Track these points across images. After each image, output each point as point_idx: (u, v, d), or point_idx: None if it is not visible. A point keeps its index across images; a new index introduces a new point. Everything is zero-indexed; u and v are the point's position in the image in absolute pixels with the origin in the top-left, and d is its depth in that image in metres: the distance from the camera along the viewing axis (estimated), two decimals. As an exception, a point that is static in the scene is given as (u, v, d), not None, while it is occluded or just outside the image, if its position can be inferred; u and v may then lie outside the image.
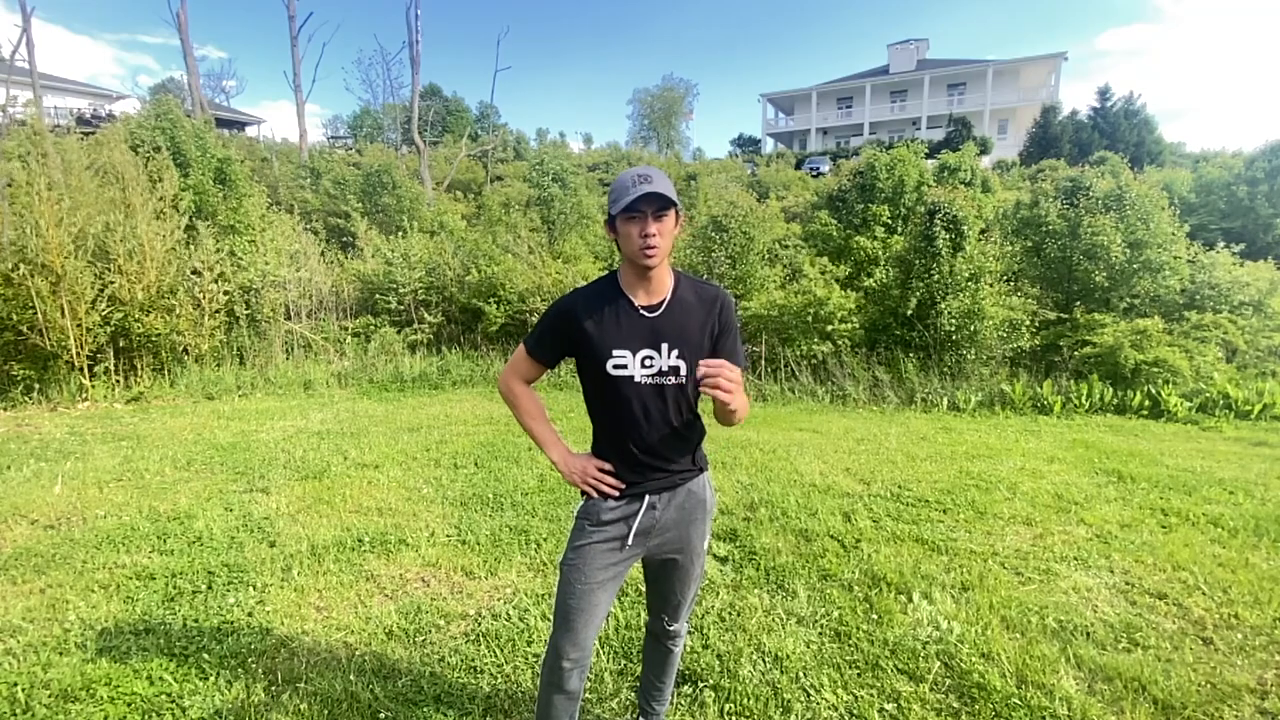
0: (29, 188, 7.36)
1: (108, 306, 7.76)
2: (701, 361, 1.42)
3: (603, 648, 2.53)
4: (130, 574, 3.12)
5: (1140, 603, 2.92)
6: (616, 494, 1.62)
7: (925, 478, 4.81)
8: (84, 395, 7.66)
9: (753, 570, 3.23)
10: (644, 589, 1.93)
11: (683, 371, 1.59)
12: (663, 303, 1.59)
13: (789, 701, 2.23)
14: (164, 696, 2.23)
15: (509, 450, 5.39)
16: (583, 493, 1.66)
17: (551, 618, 2.04)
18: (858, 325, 9.18)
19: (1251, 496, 4.37)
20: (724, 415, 1.54)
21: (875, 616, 2.77)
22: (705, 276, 10.25)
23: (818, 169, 27.25)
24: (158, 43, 79.31)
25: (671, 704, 2.20)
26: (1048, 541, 3.61)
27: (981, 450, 5.70)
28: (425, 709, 2.19)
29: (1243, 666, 2.43)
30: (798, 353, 9.04)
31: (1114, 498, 4.37)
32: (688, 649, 2.52)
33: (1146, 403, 7.60)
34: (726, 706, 2.21)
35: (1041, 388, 8.01)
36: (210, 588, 3.01)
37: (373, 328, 10.51)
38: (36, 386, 7.50)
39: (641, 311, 1.58)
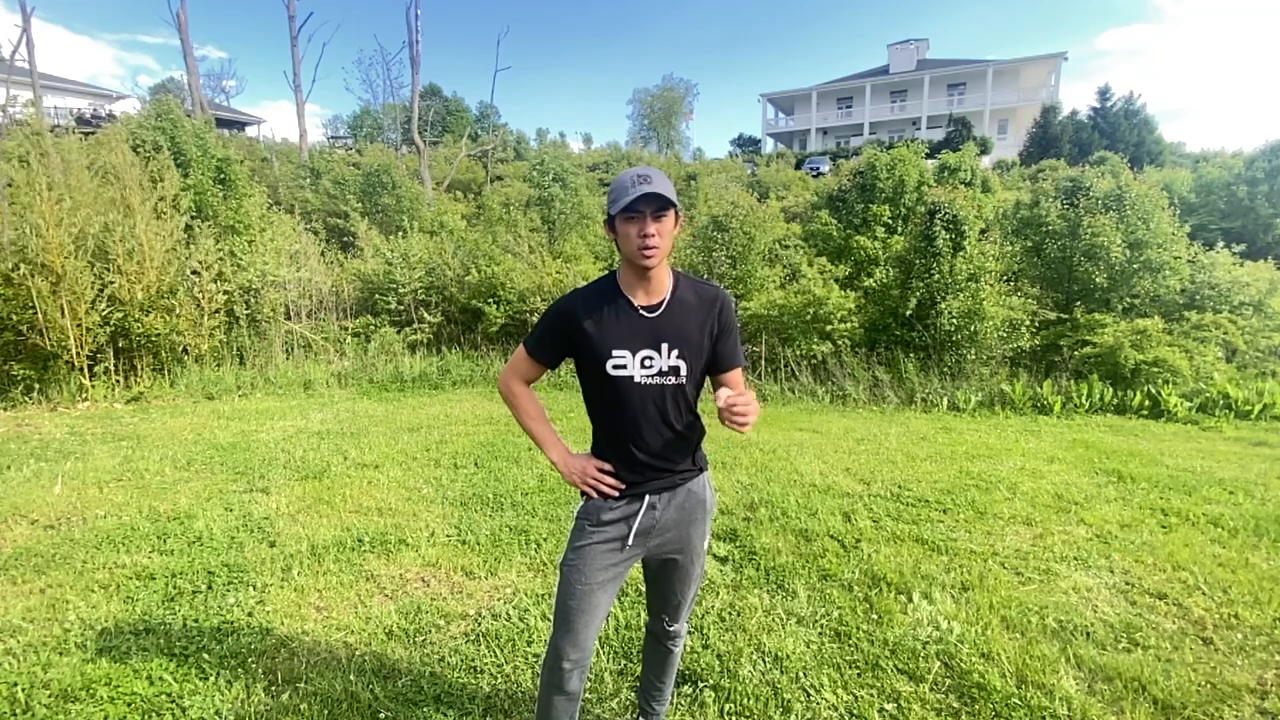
0: (29, 188, 7.36)
1: (108, 306, 7.76)
2: (725, 396, 1.43)
3: (603, 648, 2.53)
4: (130, 574, 3.12)
5: (1140, 603, 2.92)
6: (616, 494, 1.62)
7: (925, 478, 4.81)
8: (84, 395, 7.66)
9: (753, 570, 3.23)
10: (644, 589, 1.93)
11: (682, 372, 1.59)
12: (662, 303, 1.59)
13: (789, 701, 2.23)
14: (164, 696, 2.23)
15: (509, 450, 5.39)
16: (583, 493, 1.66)
17: (551, 618, 2.04)
18: (857, 325, 9.18)
19: (1251, 496, 4.37)
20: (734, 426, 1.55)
21: (875, 616, 2.77)
22: (705, 276, 10.25)
23: (818, 169, 27.24)
24: (158, 43, 79.39)
25: (671, 704, 2.20)
26: (1048, 541, 3.61)
27: (981, 450, 5.70)
28: (425, 709, 2.19)
29: (1243, 666, 2.43)
30: (798, 353, 9.04)
31: (1114, 498, 4.37)
32: (688, 649, 2.52)
33: (1146, 403, 7.60)
34: (726, 706, 2.21)
35: (1041, 388, 8.01)
36: (210, 588, 3.01)
37: (373, 328, 10.51)
38: (36, 386, 7.50)
39: (641, 312, 1.58)
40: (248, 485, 4.50)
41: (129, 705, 2.18)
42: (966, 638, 2.60)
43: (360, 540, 3.52)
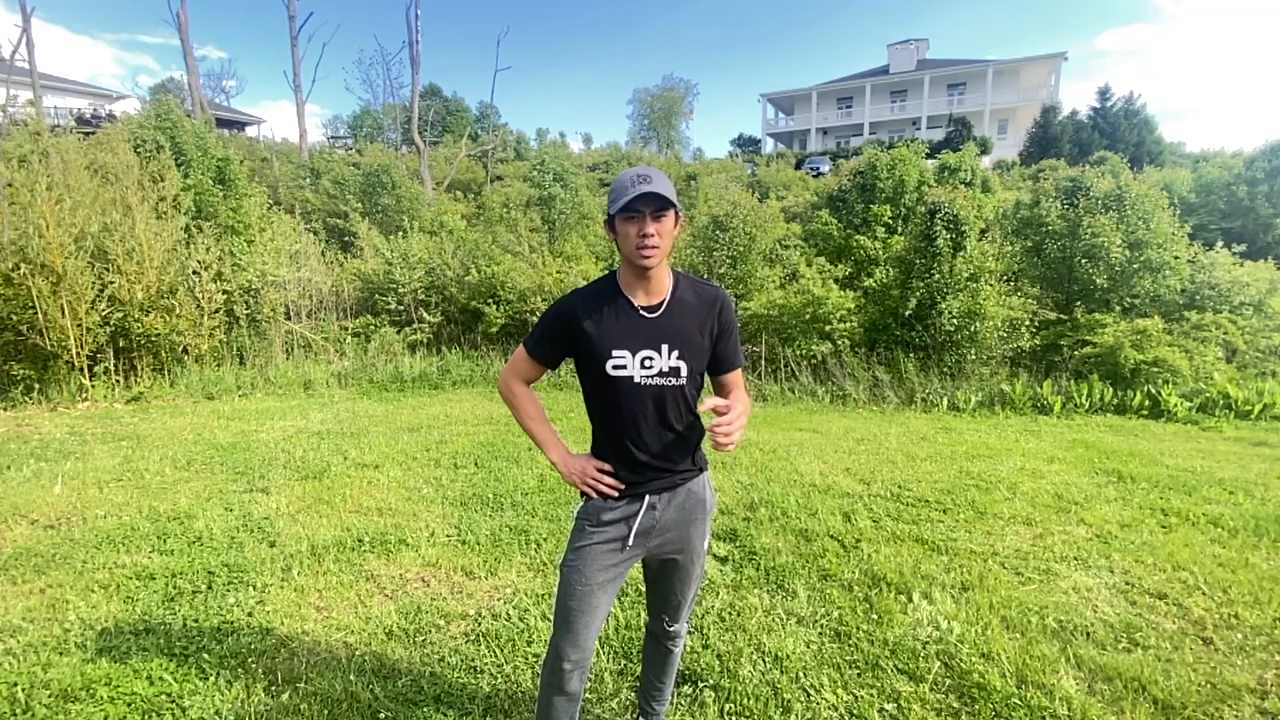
0: (29, 188, 7.36)
1: (108, 307, 7.76)
2: (714, 415, 1.44)
3: (603, 648, 2.53)
4: (130, 574, 3.12)
5: (1140, 603, 2.92)
6: (616, 494, 1.62)
7: (925, 478, 4.81)
8: (84, 395, 7.66)
9: (753, 570, 3.23)
10: (644, 589, 1.93)
11: (682, 372, 1.59)
12: (662, 303, 1.59)
13: (789, 701, 2.23)
14: (164, 696, 2.23)
15: (509, 450, 5.39)
16: (582, 493, 1.66)
17: (551, 618, 2.04)
18: (857, 325, 9.18)
19: (1251, 496, 4.37)
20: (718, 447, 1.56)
21: (875, 616, 2.77)
22: (705, 276, 10.25)
23: (818, 169, 27.24)
24: (158, 43, 79.38)
25: (671, 704, 2.20)
26: (1048, 541, 3.61)
27: (981, 450, 5.70)
28: (425, 709, 2.19)
29: (1243, 666, 2.43)
30: (798, 353, 9.04)
31: (1114, 498, 4.37)
32: (688, 649, 2.52)
33: (1146, 403, 7.60)
34: (726, 706, 2.21)
35: (1041, 388, 8.01)
36: (210, 588, 3.01)
37: (373, 328, 10.51)
38: (36, 386, 7.50)
39: (641, 312, 1.58)
40: (248, 485, 4.50)
41: (129, 705, 2.18)
42: (966, 638, 2.60)
43: (360, 540, 3.52)
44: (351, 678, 2.33)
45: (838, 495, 4.39)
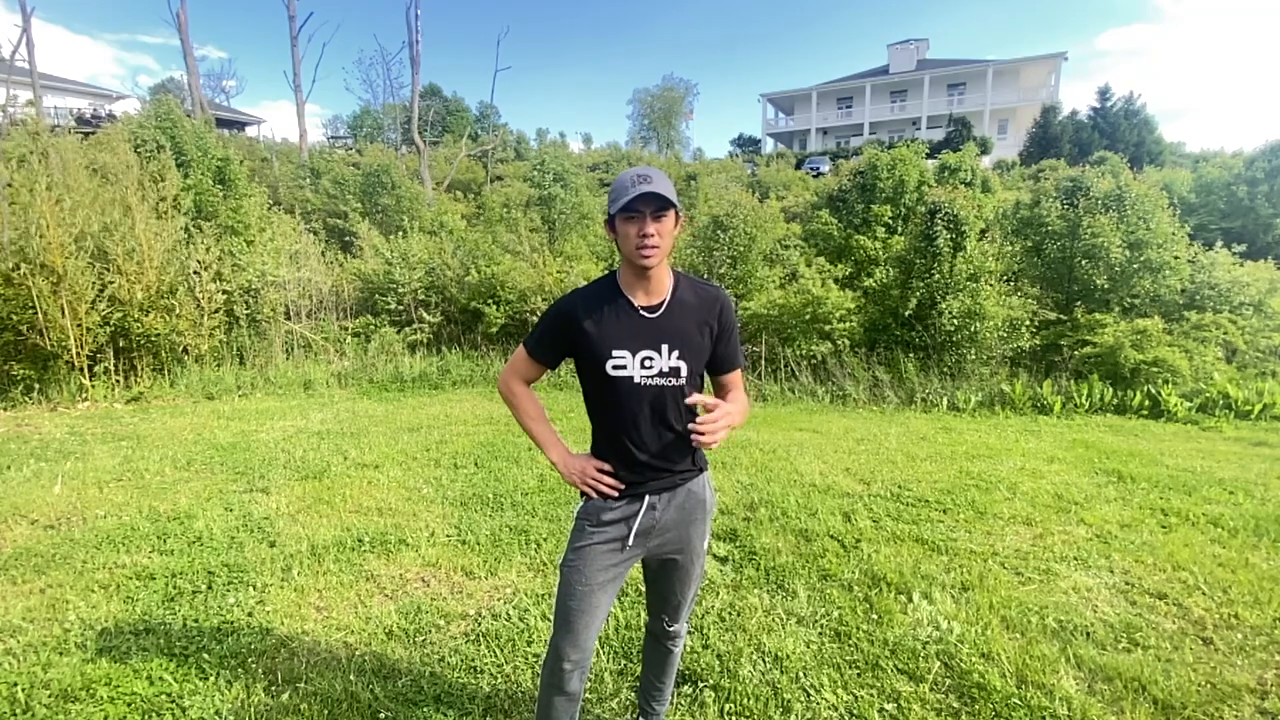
0: (28, 188, 7.36)
1: (108, 307, 7.76)
2: (699, 412, 1.44)
3: (603, 648, 2.53)
4: (130, 574, 3.12)
5: (1140, 603, 2.92)
6: (616, 494, 1.62)
7: (925, 478, 4.81)
8: (84, 395, 7.66)
9: (753, 570, 3.23)
10: (644, 589, 1.93)
11: (682, 372, 1.59)
12: (663, 303, 1.59)
13: (789, 701, 2.23)
14: (164, 696, 2.23)
15: (509, 450, 5.39)
16: (582, 493, 1.66)
17: (551, 618, 2.04)
18: (857, 325, 9.18)
19: (1251, 496, 4.37)
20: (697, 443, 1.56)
21: (875, 616, 2.77)
22: (705, 276, 10.25)
23: (818, 169, 27.24)
24: (158, 43, 79.35)
25: (671, 704, 2.20)
26: (1048, 541, 3.61)
27: (981, 450, 5.70)
28: (425, 709, 2.19)
29: (1243, 666, 2.43)
30: (798, 353, 9.04)
31: (1114, 498, 4.37)
32: (688, 649, 2.52)
33: (1146, 403, 7.60)
34: (726, 706, 2.21)
35: (1041, 388, 8.01)
36: (210, 588, 3.01)
37: (373, 328, 10.51)
38: (36, 386, 7.50)
39: (641, 312, 1.58)
40: (248, 485, 4.50)
41: (129, 705, 2.18)
42: (966, 638, 2.60)
43: (360, 540, 3.52)
44: (351, 678, 2.33)
45: (838, 495, 4.39)
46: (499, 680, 2.35)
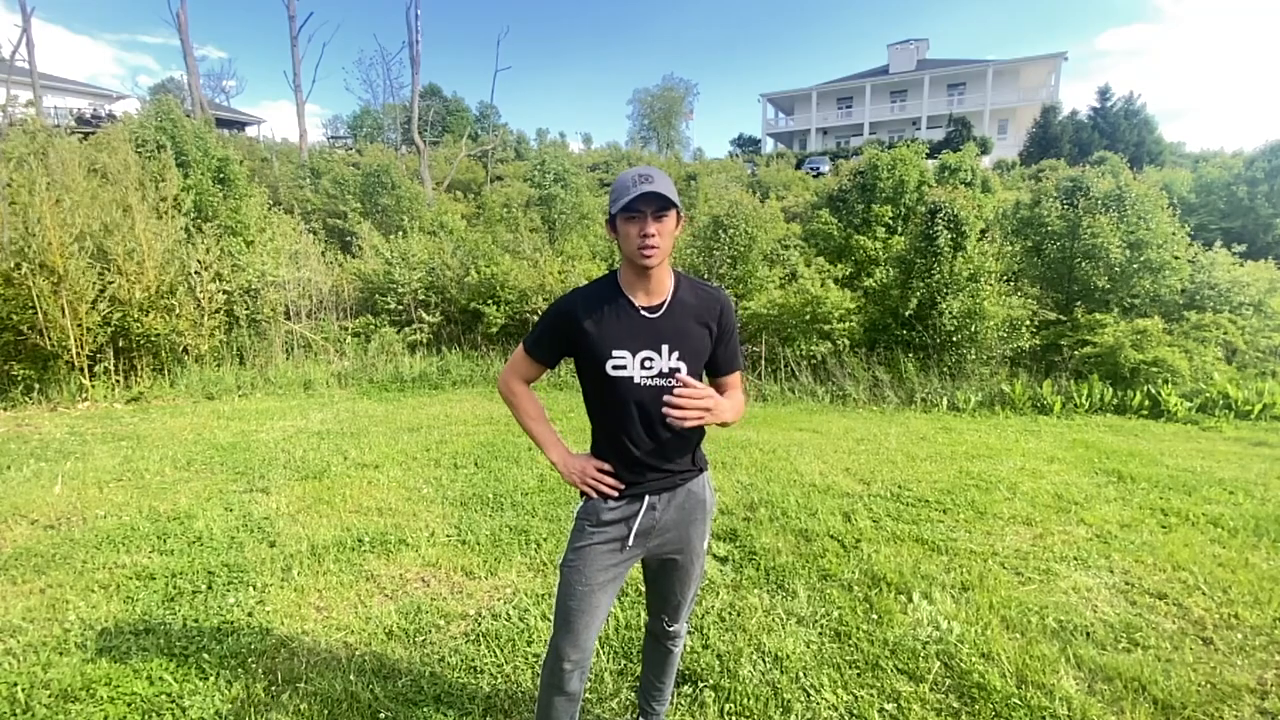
0: (27, 188, 7.36)
1: (108, 307, 7.76)
2: (671, 397, 1.46)
3: (603, 648, 2.53)
4: (130, 574, 3.12)
5: (1140, 603, 2.92)
6: (616, 494, 1.62)
7: (925, 478, 4.81)
8: (84, 395, 7.66)
9: (753, 570, 3.23)
10: (644, 589, 1.93)
11: (683, 373, 1.59)
12: (663, 304, 1.59)
13: (789, 701, 2.23)
14: (164, 696, 2.23)
15: (509, 450, 5.39)
16: (582, 493, 1.66)
17: (551, 618, 2.04)
18: (857, 325, 9.18)
19: (1251, 496, 4.37)
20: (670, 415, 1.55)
21: (875, 616, 2.77)
22: (705, 277, 10.25)
23: (818, 169, 27.25)
24: (158, 43, 79.37)
25: (671, 704, 2.20)
26: (1048, 541, 3.61)
27: (981, 450, 5.70)
28: (425, 709, 2.19)
29: (1243, 666, 2.43)
30: (798, 353, 9.04)
31: (1114, 498, 4.37)
32: (688, 649, 2.52)
33: (1146, 403, 7.61)
34: (726, 706, 2.21)
35: (1041, 388, 8.01)
36: (210, 588, 3.01)
37: (373, 328, 10.51)
38: (36, 386, 7.50)
39: (642, 312, 1.58)
40: (248, 485, 4.50)
41: (129, 705, 2.18)
42: (966, 638, 2.60)
43: (360, 540, 3.52)
44: (351, 678, 2.33)
45: (838, 495, 4.39)
46: (499, 680, 2.35)
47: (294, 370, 9.20)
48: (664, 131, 49.16)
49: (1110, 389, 7.88)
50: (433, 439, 5.87)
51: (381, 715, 2.15)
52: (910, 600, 2.90)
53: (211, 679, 2.32)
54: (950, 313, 8.58)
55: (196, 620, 2.72)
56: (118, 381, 7.99)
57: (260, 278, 9.70)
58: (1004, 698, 2.24)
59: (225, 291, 9.04)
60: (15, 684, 2.27)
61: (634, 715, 2.13)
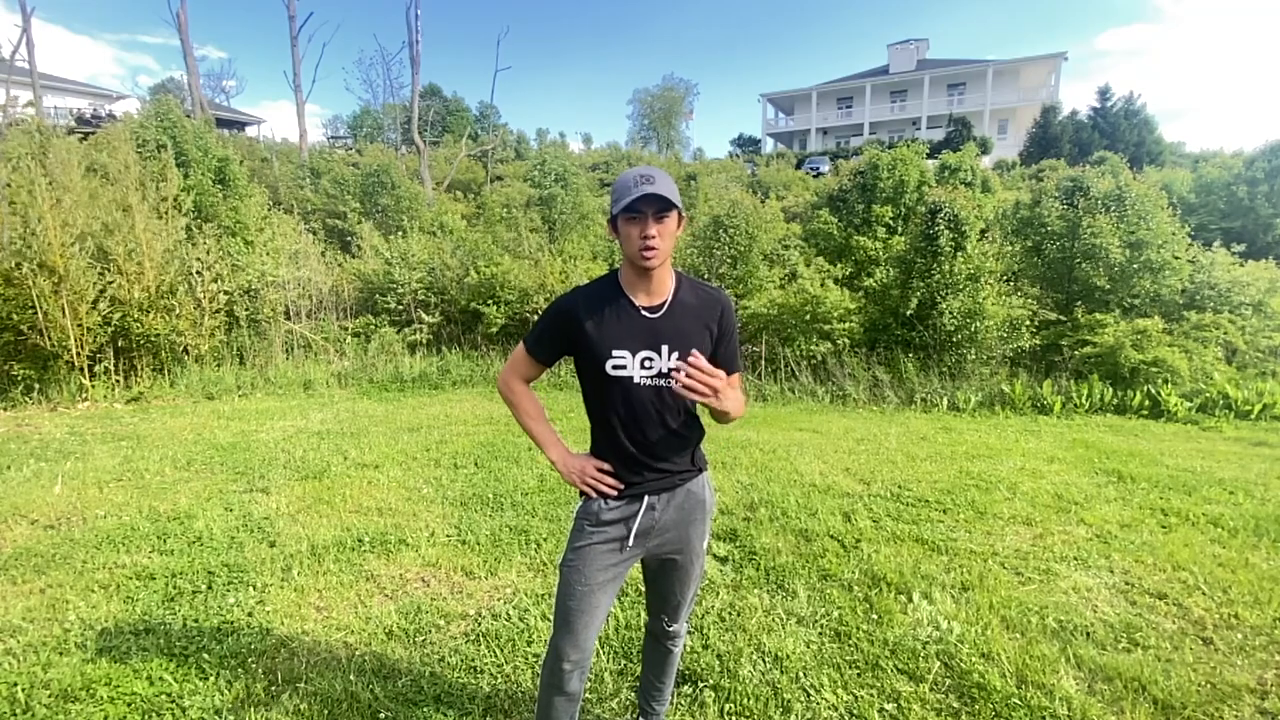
0: (30, 188, 7.36)
1: (108, 306, 7.76)
2: (683, 364, 1.41)
3: (603, 648, 2.53)
4: (130, 574, 3.12)
5: (1140, 603, 2.92)
6: (615, 494, 1.62)
7: (925, 478, 4.81)
8: (84, 395, 7.66)
9: (753, 570, 3.23)
10: (644, 589, 1.93)
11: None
12: (664, 304, 1.59)
13: (789, 701, 2.23)
14: (164, 696, 2.23)
15: (509, 450, 5.40)
16: (582, 493, 1.66)
17: (551, 618, 2.04)
18: (857, 325, 9.18)
19: (1251, 496, 4.37)
20: (718, 414, 1.54)
21: (875, 616, 2.77)
22: (705, 277, 10.25)
23: (818, 169, 27.24)
24: (158, 43, 79.33)
25: (671, 704, 2.20)
26: (1048, 541, 3.61)
27: (981, 450, 5.70)
28: (425, 709, 2.19)
29: (1243, 666, 2.43)
30: (798, 352, 9.04)
31: (1114, 498, 4.37)
32: (688, 649, 2.52)
33: (1146, 403, 7.61)
34: (726, 706, 2.21)
35: (1041, 388, 8.01)
36: (210, 588, 3.01)
37: (373, 328, 10.51)
38: (36, 386, 7.50)
39: (642, 312, 1.57)
40: (248, 485, 4.50)
41: (129, 705, 2.18)
42: (966, 638, 2.60)
43: (360, 540, 3.52)
44: (351, 678, 2.33)
45: (838, 495, 4.39)
46: (499, 680, 2.35)
47: (294, 370, 9.20)
48: (664, 131, 49.14)
49: (1110, 389, 7.88)
50: (433, 439, 5.87)
51: (381, 715, 2.15)
52: (910, 600, 2.91)
53: (211, 679, 2.32)
54: (950, 313, 8.58)
55: (196, 620, 2.72)
56: (118, 381, 7.99)
57: (260, 278, 9.70)
58: (1004, 698, 2.24)
59: (226, 292, 9.04)
60: (15, 684, 2.27)
61: (634, 715, 2.13)
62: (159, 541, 3.51)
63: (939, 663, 2.45)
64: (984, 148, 27.75)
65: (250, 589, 3.00)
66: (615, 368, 1.56)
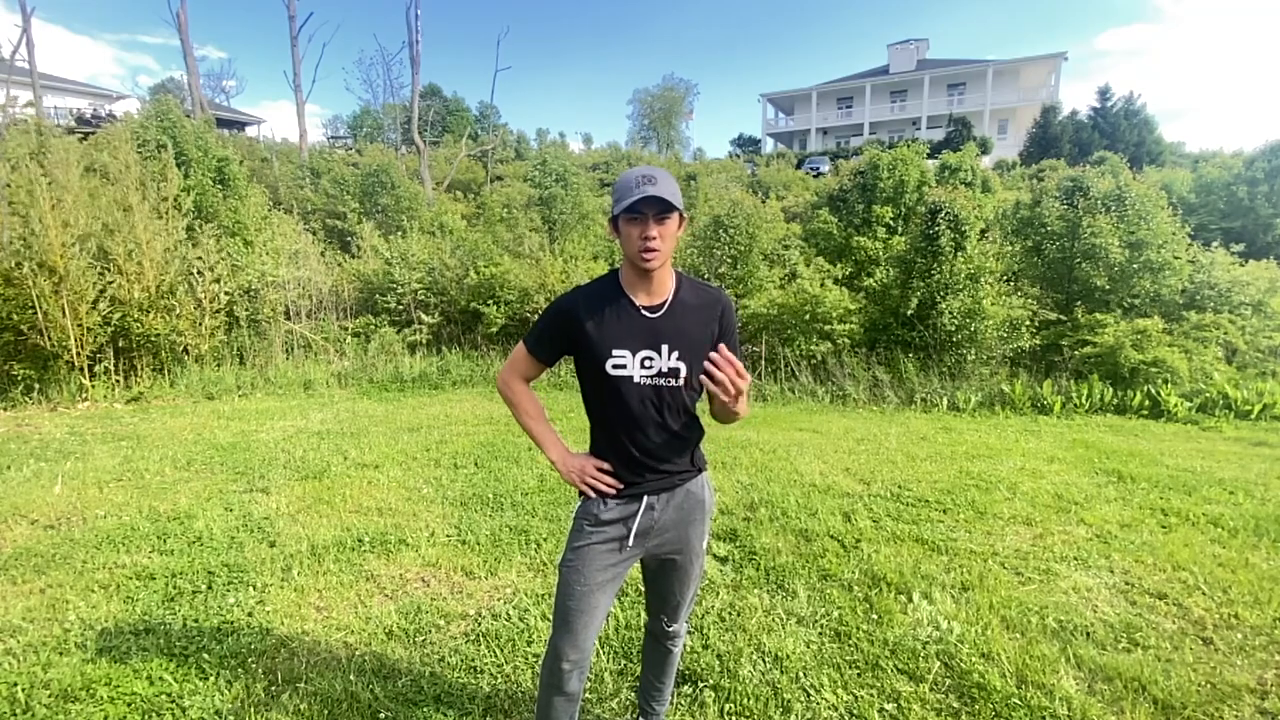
0: (30, 189, 7.36)
1: (108, 306, 7.76)
2: (716, 356, 1.40)
3: (603, 648, 2.53)
4: (130, 574, 3.12)
5: (1140, 603, 2.92)
6: (614, 493, 1.62)
7: (925, 478, 4.81)
8: (84, 395, 7.66)
9: (753, 570, 3.23)
10: (644, 589, 1.93)
11: (682, 373, 1.59)
12: (664, 304, 1.59)
13: (789, 701, 2.23)
14: (164, 696, 2.23)
15: (509, 450, 5.39)
16: (581, 493, 1.66)
17: (551, 618, 2.04)
18: (857, 325, 9.18)
19: (1251, 496, 4.37)
20: (723, 414, 1.54)
21: (875, 616, 2.77)
22: (705, 277, 10.25)
23: (818, 169, 27.24)
24: (158, 43, 79.30)
25: (671, 704, 2.20)
26: (1048, 541, 3.61)
27: (981, 450, 5.69)
28: (425, 709, 2.19)
29: (1243, 666, 2.43)
30: (798, 352, 9.04)
31: (1114, 498, 4.37)
32: (688, 649, 2.52)
33: (1146, 403, 7.60)
34: (726, 706, 2.21)
35: (1041, 388, 8.01)
36: (210, 588, 3.01)
37: (373, 328, 10.51)
38: (36, 386, 7.50)
39: (643, 312, 1.57)
40: (248, 485, 4.50)
41: (129, 705, 2.18)
42: (966, 638, 2.60)
43: (360, 540, 3.52)
44: (351, 678, 2.33)
45: (838, 495, 4.39)
46: (499, 680, 2.35)
47: (294, 370, 9.20)
48: (664, 131, 49.13)
49: (1110, 389, 7.87)
50: (433, 439, 5.87)
51: (381, 715, 2.15)
52: (910, 600, 2.91)
53: (211, 679, 2.32)
54: (950, 313, 8.58)
55: (196, 620, 2.72)
56: (118, 381, 7.99)
57: (260, 278, 9.70)
58: (1004, 698, 2.24)
59: (226, 292, 9.04)
60: (15, 684, 2.27)
61: (634, 715, 2.13)
62: (159, 541, 3.51)
63: (939, 663, 2.45)
64: (984, 148, 27.75)
65: (250, 589, 3.00)
66: (615, 367, 1.56)
